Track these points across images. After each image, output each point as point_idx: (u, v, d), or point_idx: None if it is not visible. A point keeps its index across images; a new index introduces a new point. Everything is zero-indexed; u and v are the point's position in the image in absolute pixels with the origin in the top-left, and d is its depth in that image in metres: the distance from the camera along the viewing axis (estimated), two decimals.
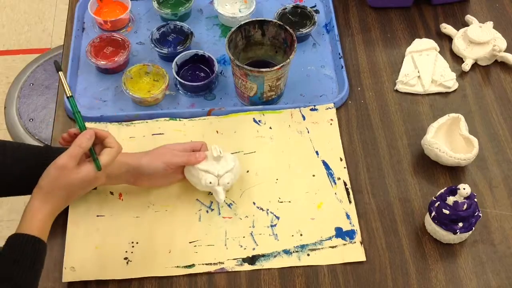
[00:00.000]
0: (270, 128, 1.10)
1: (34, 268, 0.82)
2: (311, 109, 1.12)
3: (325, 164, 1.06)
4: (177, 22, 1.22)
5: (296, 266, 0.96)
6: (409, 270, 0.96)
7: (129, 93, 1.11)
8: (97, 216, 1.00)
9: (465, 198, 0.94)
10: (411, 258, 0.98)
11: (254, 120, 1.10)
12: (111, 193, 1.02)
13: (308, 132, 1.09)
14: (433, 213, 0.96)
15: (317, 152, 1.07)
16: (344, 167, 1.06)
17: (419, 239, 0.99)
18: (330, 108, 1.12)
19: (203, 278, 0.95)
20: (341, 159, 1.07)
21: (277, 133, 1.09)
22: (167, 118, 1.10)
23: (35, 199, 0.85)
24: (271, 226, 1.00)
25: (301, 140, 1.09)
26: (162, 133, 1.08)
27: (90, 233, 0.98)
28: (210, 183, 0.97)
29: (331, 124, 1.10)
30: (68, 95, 0.90)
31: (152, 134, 1.08)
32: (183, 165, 0.99)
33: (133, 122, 1.10)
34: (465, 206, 0.94)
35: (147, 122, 1.10)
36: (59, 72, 0.90)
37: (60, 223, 0.98)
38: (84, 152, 0.86)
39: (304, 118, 1.11)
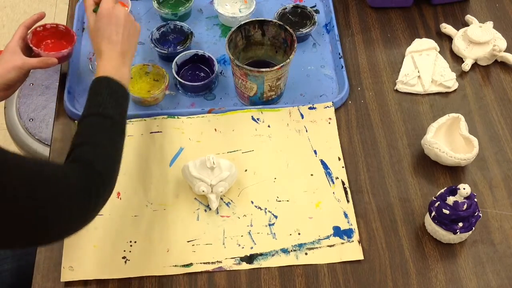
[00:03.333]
0: (269, 126, 1.10)
1: (114, 96, 0.89)
2: (310, 108, 1.12)
3: (323, 163, 1.06)
4: (177, 22, 1.22)
5: (296, 266, 0.96)
6: (409, 270, 0.96)
7: (129, 93, 1.11)
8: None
9: (465, 198, 0.94)
10: (411, 258, 0.97)
11: (253, 118, 1.10)
12: None
13: (307, 131, 1.09)
14: (433, 213, 0.96)
15: (315, 151, 1.07)
16: (342, 167, 1.06)
17: (419, 239, 0.99)
18: (328, 107, 1.12)
19: (203, 278, 0.95)
20: (339, 159, 1.07)
21: (276, 132, 1.09)
22: (165, 116, 1.10)
23: (97, 56, 0.96)
24: (269, 225, 0.99)
25: (299, 139, 1.08)
26: (160, 131, 1.08)
27: (88, 232, 0.98)
28: (203, 191, 0.98)
29: (329, 123, 1.10)
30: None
31: (150, 132, 1.08)
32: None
33: (131, 120, 1.09)
34: (465, 206, 0.93)
35: (145, 120, 1.10)
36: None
37: None
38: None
39: (302, 116, 1.11)
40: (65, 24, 1.15)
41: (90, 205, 0.79)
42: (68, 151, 0.84)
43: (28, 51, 1.07)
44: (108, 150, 0.84)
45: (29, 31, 1.10)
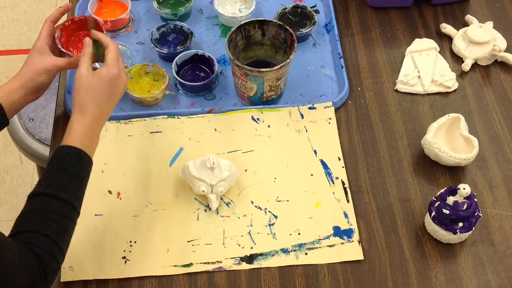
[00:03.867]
0: (269, 126, 1.10)
1: (79, 176, 0.86)
2: (310, 108, 1.12)
3: (323, 163, 1.06)
4: (177, 22, 1.22)
5: (296, 266, 0.96)
6: (409, 270, 0.96)
7: (129, 93, 1.11)
8: (95, 215, 0.99)
9: (465, 198, 0.94)
10: (411, 258, 0.97)
11: (253, 118, 1.10)
12: (110, 192, 1.02)
13: (307, 131, 1.09)
14: (433, 213, 0.96)
15: (315, 151, 1.07)
16: (342, 167, 1.06)
17: (419, 239, 0.99)
18: (328, 107, 1.12)
19: (203, 278, 0.95)
20: (339, 159, 1.07)
21: (276, 132, 1.09)
22: (165, 116, 1.10)
23: (72, 115, 0.90)
24: (269, 225, 0.99)
25: (299, 139, 1.08)
26: (160, 131, 1.08)
27: (89, 232, 0.98)
28: (203, 191, 0.98)
29: (329, 123, 1.10)
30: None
31: (150, 132, 1.08)
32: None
33: (131, 120, 1.10)
34: (465, 206, 0.93)
35: (145, 120, 1.10)
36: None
37: None
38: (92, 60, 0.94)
39: (302, 116, 1.11)
40: (93, 16, 1.12)
41: None
42: (19, 225, 0.81)
43: (57, 48, 1.04)
44: (59, 245, 0.81)
45: (57, 29, 1.05)
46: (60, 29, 1.05)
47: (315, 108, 1.12)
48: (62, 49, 1.04)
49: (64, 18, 1.08)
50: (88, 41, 0.96)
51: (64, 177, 0.84)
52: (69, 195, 0.83)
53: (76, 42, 1.09)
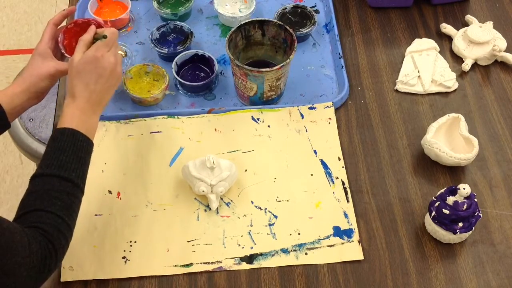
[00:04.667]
0: (269, 126, 1.10)
1: (78, 155, 0.86)
2: (310, 108, 1.12)
3: (323, 163, 1.06)
4: (177, 22, 1.22)
5: (296, 266, 0.96)
6: (409, 270, 0.96)
7: (129, 93, 1.11)
8: (95, 215, 0.99)
9: (465, 198, 0.94)
10: (411, 258, 0.97)
11: (253, 118, 1.10)
12: (110, 192, 1.02)
13: (307, 131, 1.09)
14: (433, 213, 0.96)
15: (315, 151, 1.07)
16: (342, 167, 1.06)
17: (419, 239, 0.99)
18: (328, 107, 1.12)
19: (203, 278, 0.95)
20: (339, 159, 1.07)
21: (276, 132, 1.09)
22: (165, 116, 1.10)
23: (66, 100, 0.92)
24: (269, 225, 0.99)
25: (299, 139, 1.08)
26: (160, 131, 1.08)
27: (88, 232, 0.98)
28: (203, 191, 0.98)
29: (329, 123, 1.10)
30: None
31: (150, 132, 1.08)
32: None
33: (131, 120, 1.10)
34: (465, 206, 0.93)
35: (145, 120, 1.10)
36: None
37: None
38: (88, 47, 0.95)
39: (302, 116, 1.11)
40: (96, 18, 1.11)
41: (42, 276, 0.79)
42: (23, 207, 0.82)
43: (59, 51, 1.03)
44: (66, 220, 0.82)
45: (60, 32, 1.03)
46: (63, 32, 1.03)
47: (315, 108, 1.12)
48: (65, 54, 1.03)
49: (64, 21, 1.08)
50: (92, 27, 0.97)
51: (61, 156, 0.85)
52: (69, 173, 0.84)
53: None
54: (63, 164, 0.84)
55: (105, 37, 0.96)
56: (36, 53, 1.01)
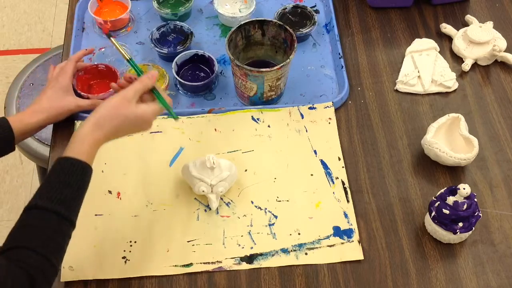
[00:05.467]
0: (269, 126, 1.10)
1: (80, 191, 0.84)
2: (310, 108, 1.12)
3: (323, 163, 1.06)
4: (177, 22, 1.22)
5: (296, 266, 0.96)
6: (409, 270, 0.96)
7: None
8: (95, 215, 0.99)
9: (465, 198, 0.94)
10: (411, 258, 0.97)
11: (253, 118, 1.10)
12: (110, 192, 1.02)
13: (307, 131, 1.09)
14: (433, 213, 0.96)
15: (315, 151, 1.07)
16: (342, 167, 1.06)
17: (419, 239, 0.99)
18: (328, 107, 1.12)
19: (203, 278, 0.95)
20: (339, 159, 1.07)
21: (276, 132, 1.09)
22: (165, 116, 1.10)
23: (87, 125, 0.87)
24: (269, 225, 0.99)
25: (299, 139, 1.08)
26: (160, 131, 1.08)
27: (89, 232, 0.98)
28: (203, 191, 0.98)
29: (329, 123, 1.10)
30: (128, 58, 0.96)
31: (150, 132, 1.08)
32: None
33: None
34: (465, 206, 0.93)
35: None
36: (111, 38, 0.96)
37: None
38: (144, 92, 0.92)
39: (302, 116, 1.11)
40: (105, 63, 1.15)
41: None
42: (13, 239, 0.78)
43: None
44: (54, 263, 0.78)
45: (80, 68, 1.11)
46: (76, 79, 1.11)
47: (315, 108, 1.12)
48: (81, 92, 1.10)
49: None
50: (155, 74, 0.94)
51: (66, 191, 0.81)
52: (69, 211, 0.81)
53: (93, 91, 1.14)
54: (66, 201, 0.81)
55: (175, 118, 0.96)
56: (58, 86, 1.04)
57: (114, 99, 0.89)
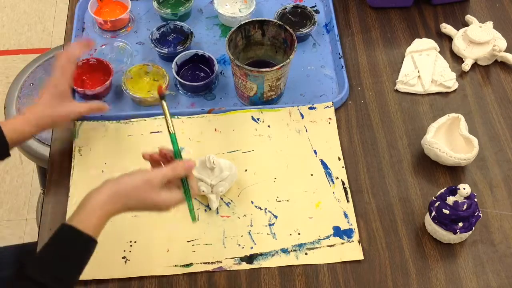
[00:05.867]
0: (269, 126, 1.10)
1: (80, 267, 0.80)
2: (310, 108, 1.12)
3: (323, 163, 1.06)
4: (177, 22, 1.22)
5: (296, 266, 0.96)
6: (409, 270, 0.96)
7: (129, 93, 1.11)
8: None
9: (465, 198, 0.94)
10: (411, 258, 0.97)
11: (253, 118, 1.10)
12: None
13: (307, 131, 1.09)
14: (433, 213, 0.96)
15: (315, 151, 1.07)
16: (343, 167, 1.06)
17: (419, 239, 0.99)
18: (328, 107, 1.12)
19: (203, 278, 0.95)
20: (339, 159, 1.07)
21: (276, 132, 1.09)
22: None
23: (101, 195, 0.81)
24: (269, 225, 0.99)
25: (299, 139, 1.08)
26: (160, 131, 1.08)
27: None
28: (203, 191, 0.98)
29: (329, 123, 1.10)
30: (172, 132, 0.87)
31: (150, 132, 1.08)
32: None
33: (131, 120, 1.10)
34: (465, 206, 0.93)
35: (145, 120, 1.10)
36: (162, 101, 0.88)
37: (59, 222, 0.98)
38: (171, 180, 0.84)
39: (302, 116, 1.11)
40: (96, 57, 1.15)
41: None
42: None
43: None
44: None
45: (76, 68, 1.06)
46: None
47: (315, 108, 1.12)
48: (76, 88, 1.08)
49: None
50: (191, 165, 0.86)
51: (64, 267, 0.78)
52: (62, 287, 0.77)
53: (86, 86, 1.13)
54: (61, 277, 0.77)
55: (193, 220, 0.89)
56: (56, 92, 0.96)
57: (138, 178, 0.82)
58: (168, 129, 0.88)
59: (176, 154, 0.87)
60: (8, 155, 0.95)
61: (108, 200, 0.81)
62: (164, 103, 0.88)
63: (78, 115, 1.01)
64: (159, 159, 0.88)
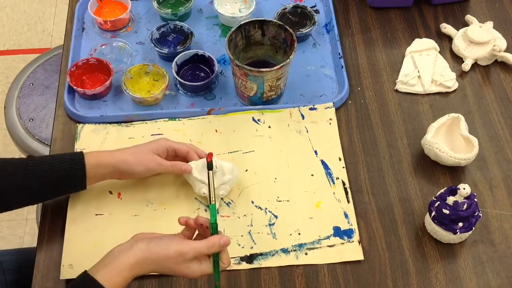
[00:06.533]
0: (269, 127, 1.10)
1: None
2: (310, 109, 1.12)
3: (323, 163, 1.06)
4: (177, 22, 1.22)
5: (296, 266, 0.96)
6: (409, 270, 0.96)
7: (129, 93, 1.11)
8: (96, 215, 0.99)
9: (465, 198, 0.94)
10: (411, 258, 0.97)
11: (253, 119, 1.10)
12: (110, 192, 1.02)
13: (307, 131, 1.09)
14: (433, 213, 0.96)
15: (316, 152, 1.07)
16: (343, 167, 1.06)
17: (419, 239, 0.99)
18: (329, 108, 1.12)
19: (203, 277, 0.95)
20: (340, 159, 1.07)
21: (276, 132, 1.09)
22: (166, 119, 1.10)
23: (135, 257, 0.81)
24: (269, 225, 0.99)
25: (300, 140, 1.08)
26: (161, 134, 1.08)
27: (89, 231, 0.98)
28: (204, 193, 0.98)
29: (330, 123, 1.10)
30: (213, 203, 0.87)
31: (151, 135, 1.08)
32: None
33: (133, 123, 1.10)
34: (465, 206, 0.93)
35: (146, 123, 1.10)
36: (209, 172, 0.88)
37: (59, 223, 0.98)
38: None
39: (303, 117, 1.11)
40: (95, 57, 1.15)
41: None
42: None
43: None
44: None
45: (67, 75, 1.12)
46: (69, 74, 1.12)
47: (315, 108, 1.12)
48: (76, 88, 1.10)
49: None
50: (226, 241, 0.85)
51: None
52: None
53: (86, 86, 1.15)
54: None
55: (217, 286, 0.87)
56: (160, 148, 0.98)
57: (172, 249, 0.82)
58: (210, 200, 0.88)
59: (212, 228, 0.86)
60: (85, 187, 0.95)
61: (137, 265, 0.81)
62: (211, 174, 0.88)
63: (162, 168, 0.98)
64: (194, 227, 0.87)
